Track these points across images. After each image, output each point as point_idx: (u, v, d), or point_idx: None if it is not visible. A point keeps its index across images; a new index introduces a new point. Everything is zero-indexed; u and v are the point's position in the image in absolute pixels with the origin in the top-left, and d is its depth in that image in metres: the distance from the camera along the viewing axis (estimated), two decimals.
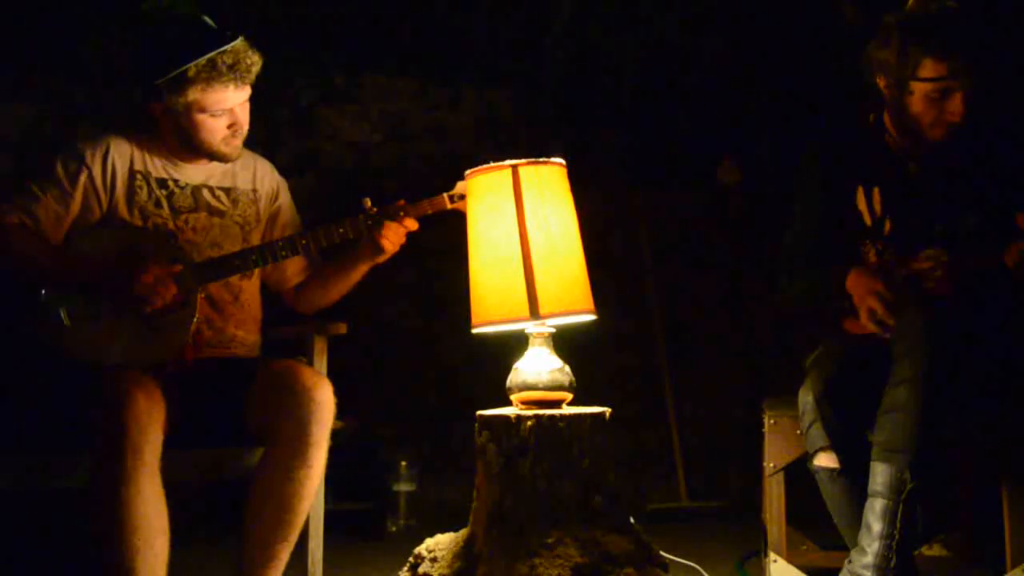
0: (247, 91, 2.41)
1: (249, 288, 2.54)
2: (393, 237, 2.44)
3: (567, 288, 2.16)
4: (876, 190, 2.53)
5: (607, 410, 2.17)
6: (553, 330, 2.21)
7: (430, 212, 2.47)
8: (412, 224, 2.46)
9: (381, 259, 2.50)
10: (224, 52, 2.31)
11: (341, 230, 2.45)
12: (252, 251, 2.43)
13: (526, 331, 2.20)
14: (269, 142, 4.17)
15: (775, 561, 2.60)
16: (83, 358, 2.25)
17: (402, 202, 2.46)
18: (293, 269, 2.63)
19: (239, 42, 2.35)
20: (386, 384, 4.54)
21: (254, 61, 2.37)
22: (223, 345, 2.46)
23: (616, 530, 2.08)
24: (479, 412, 2.19)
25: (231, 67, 2.32)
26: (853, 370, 2.41)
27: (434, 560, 2.16)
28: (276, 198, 2.62)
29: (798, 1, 4.55)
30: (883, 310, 2.30)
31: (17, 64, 4.19)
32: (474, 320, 2.20)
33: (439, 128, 4.76)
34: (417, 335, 4.63)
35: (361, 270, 2.55)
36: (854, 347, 2.46)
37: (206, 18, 2.37)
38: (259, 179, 2.59)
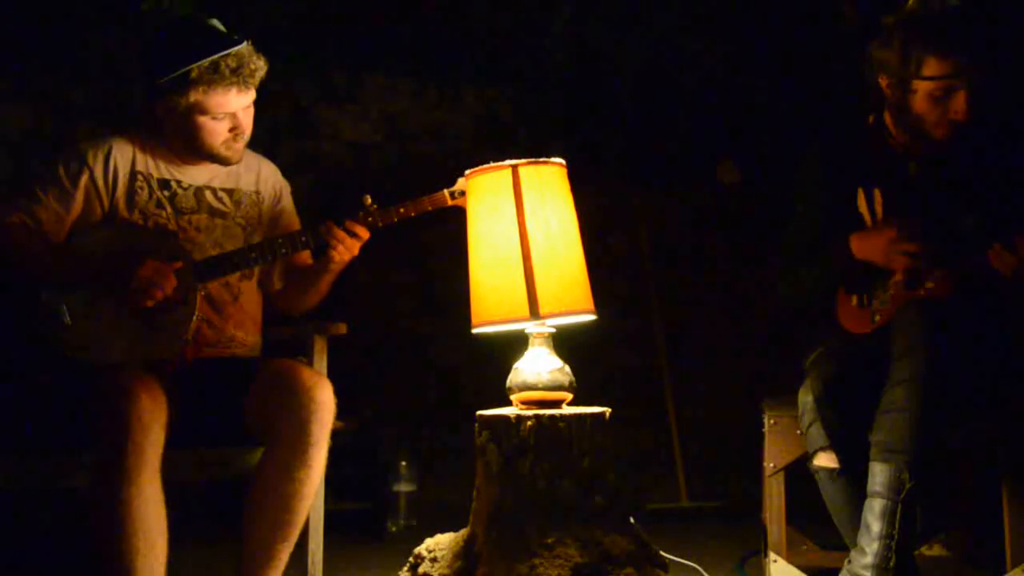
0: (251, 95, 2.40)
1: (248, 289, 2.54)
2: (342, 248, 2.40)
3: (567, 288, 2.16)
4: (877, 191, 2.53)
5: (607, 410, 2.17)
6: (553, 330, 2.21)
7: (430, 208, 2.45)
8: (364, 232, 2.41)
9: (335, 267, 2.46)
10: (228, 55, 2.31)
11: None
12: (252, 249, 2.42)
13: (526, 331, 2.20)
14: (269, 142, 4.17)
15: (775, 561, 2.60)
16: (84, 357, 2.24)
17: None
18: (278, 272, 2.63)
19: (244, 46, 2.34)
20: (386, 384, 4.54)
21: (258, 66, 2.36)
22: (223, 345, 2.46)
23: (616, 530, 2.08)
24: (479, 412, 2.19)
25: (234, 71, 2.32)
26: (853, 370, 2.41)
27: (434, 560, 2.17)
28: (279, 201, 2.62)
29: (798, 1, 4.55)
30: (916, 247, 2.31)
31: (17, 64, 4.20)
32: (474, 320, 2.20)
33: (439, 128, 4.76)
34: (417, 335, 4.63)
35: (326, 278, 2.52)
36: (854, 347, 2.46)
37: (214, 21, 2.37)
38: (262, 181, 2.59)
